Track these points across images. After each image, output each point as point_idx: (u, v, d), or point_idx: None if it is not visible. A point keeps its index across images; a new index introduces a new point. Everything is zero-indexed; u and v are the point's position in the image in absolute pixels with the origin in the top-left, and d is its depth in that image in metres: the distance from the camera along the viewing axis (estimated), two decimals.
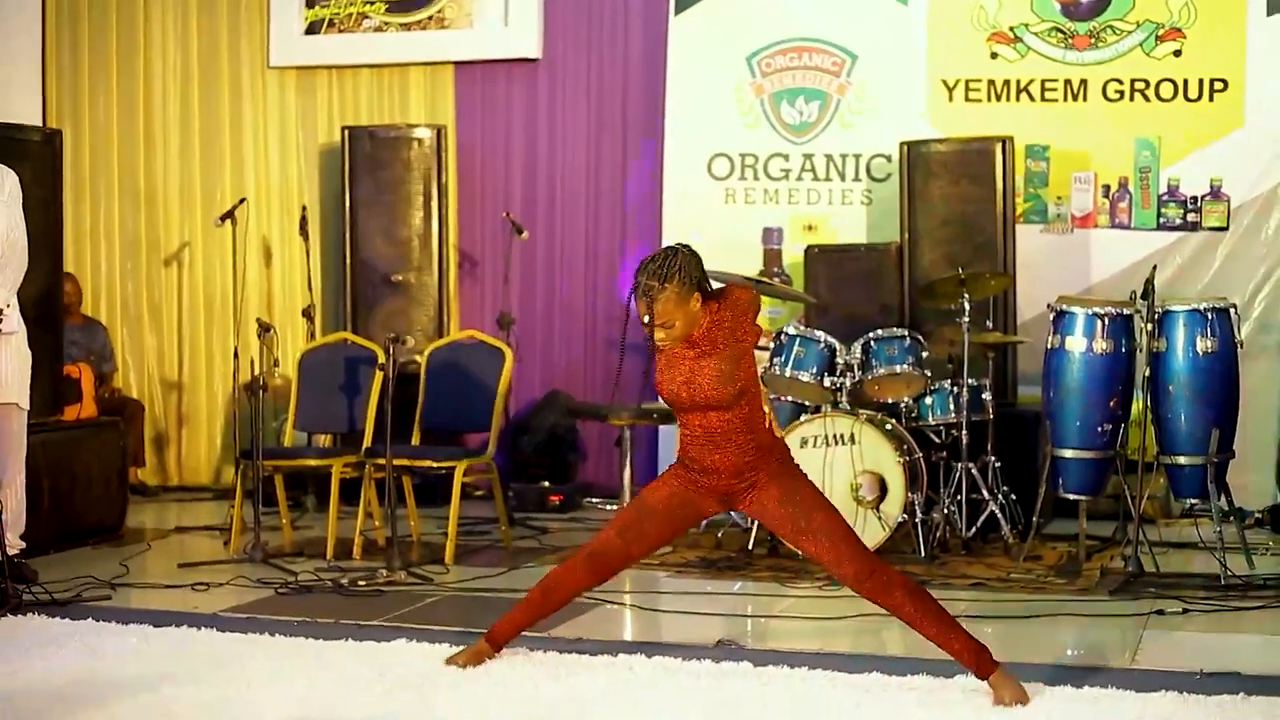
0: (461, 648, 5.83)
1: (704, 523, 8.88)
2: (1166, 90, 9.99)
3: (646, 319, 5.22)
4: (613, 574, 5.76)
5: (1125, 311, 7.85)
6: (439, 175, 10.82)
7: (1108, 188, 10.12)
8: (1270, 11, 9.82)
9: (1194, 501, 8.24)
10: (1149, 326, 7.64)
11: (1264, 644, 6.29)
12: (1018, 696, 5.08)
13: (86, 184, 11.66)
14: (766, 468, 5.42)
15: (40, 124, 11.30)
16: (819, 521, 5.35)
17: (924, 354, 8.44)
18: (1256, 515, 9.42)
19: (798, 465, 5.54)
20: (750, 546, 8.20)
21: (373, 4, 11.31)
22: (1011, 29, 10.18)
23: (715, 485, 5.48)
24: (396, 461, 8.11)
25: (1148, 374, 7.70)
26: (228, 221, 9.56)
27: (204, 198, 11.54)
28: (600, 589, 7.16)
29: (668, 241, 10.63)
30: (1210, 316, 7.71)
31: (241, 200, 9.94)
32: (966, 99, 10.28)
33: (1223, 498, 7.84)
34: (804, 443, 8.04)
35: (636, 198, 11.10)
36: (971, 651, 5.18)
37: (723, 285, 5.41)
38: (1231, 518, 8.01)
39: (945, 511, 8.37)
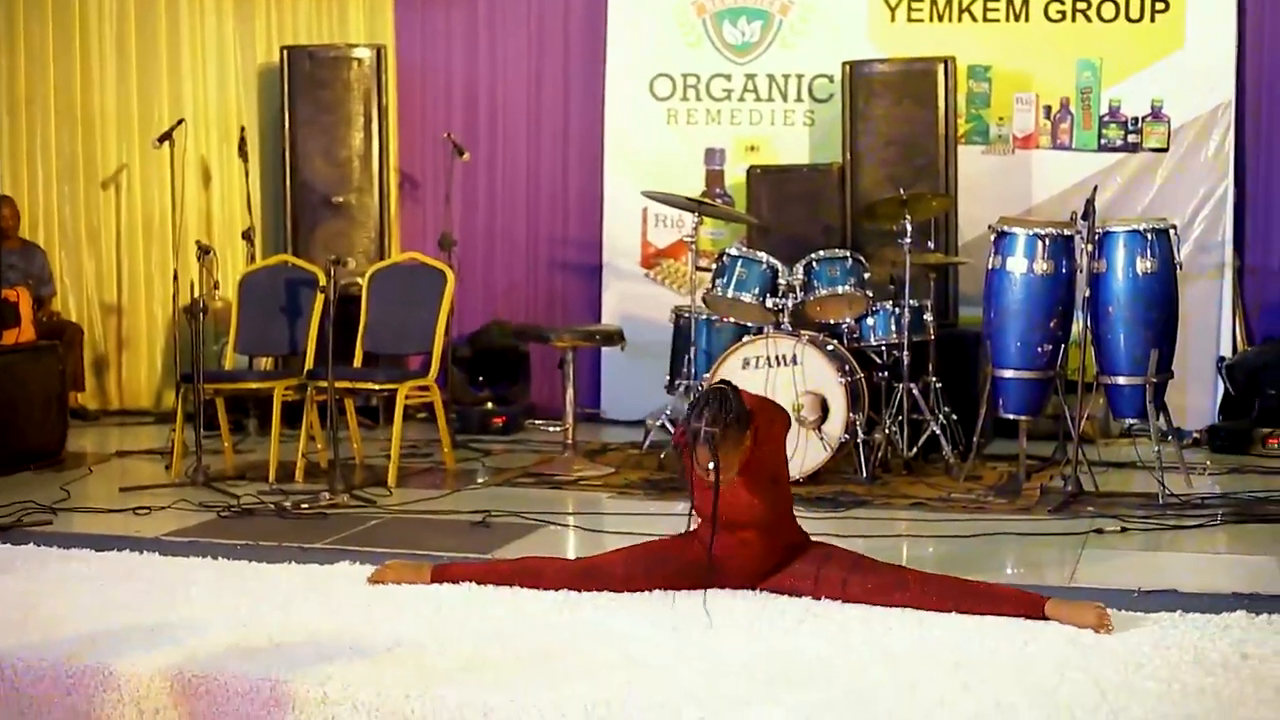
0: None
1: (646, 444, 8.93)
2: (1108, 10, 10.00)
3: (710, 465, 5.19)
4: (597, 590, 5.61)
5: (1066, 232, 7.87)
6: (379, 96, 10.75)
7: (1049, 108, 10.14)
8: None
9: (1133, 421, 8.34)
10: (1089, 247, 7.66)
11: (1201, 562, 6.35)
12: (1098, 617, 4.99)
13: (22, 106, 11.49)
14: (788, 557, 5.50)
15: None
16: (833, 558, 5.46)
17: (865, 275, 8.44)
18: (1194, 435, 9.51)
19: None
20: None
21: None
22: None
23: (739, 571, 5.50)
24: (338, 384, 8.09)
25: (1088, 295, 7.73)
26: (166, 143, 9.47)
27: (141, 119, 11.41)
28: (543, 510, 7.21)
29: (610, 162, 10.72)
30: (1150, 237, 7.74)
31: (179, 121, 9.84)
32: (909, 19, 10.27)
33: (1161, 418, 7.90)
34: (746, 364, 8.05)
35: (578, 118, 11.05)
36: (1023, 603, 5.13)
37: (753, 409, 5.36)
38: (1170, 437, 8.08)
39: (887, 432, 8.40)
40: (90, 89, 11.49)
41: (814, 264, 8.40)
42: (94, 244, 11.54)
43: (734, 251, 8.58)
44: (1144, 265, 7.71)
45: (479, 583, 5.63)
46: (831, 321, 8.52)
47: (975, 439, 8.21)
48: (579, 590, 5.54)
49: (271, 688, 4.40)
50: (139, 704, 4.51)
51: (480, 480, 8.25)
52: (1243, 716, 4.01)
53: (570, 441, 8.78)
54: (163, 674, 4.51)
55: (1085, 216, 7.67)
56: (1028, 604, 5.13)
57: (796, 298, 8.34)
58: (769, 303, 8.34)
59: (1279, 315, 9.79)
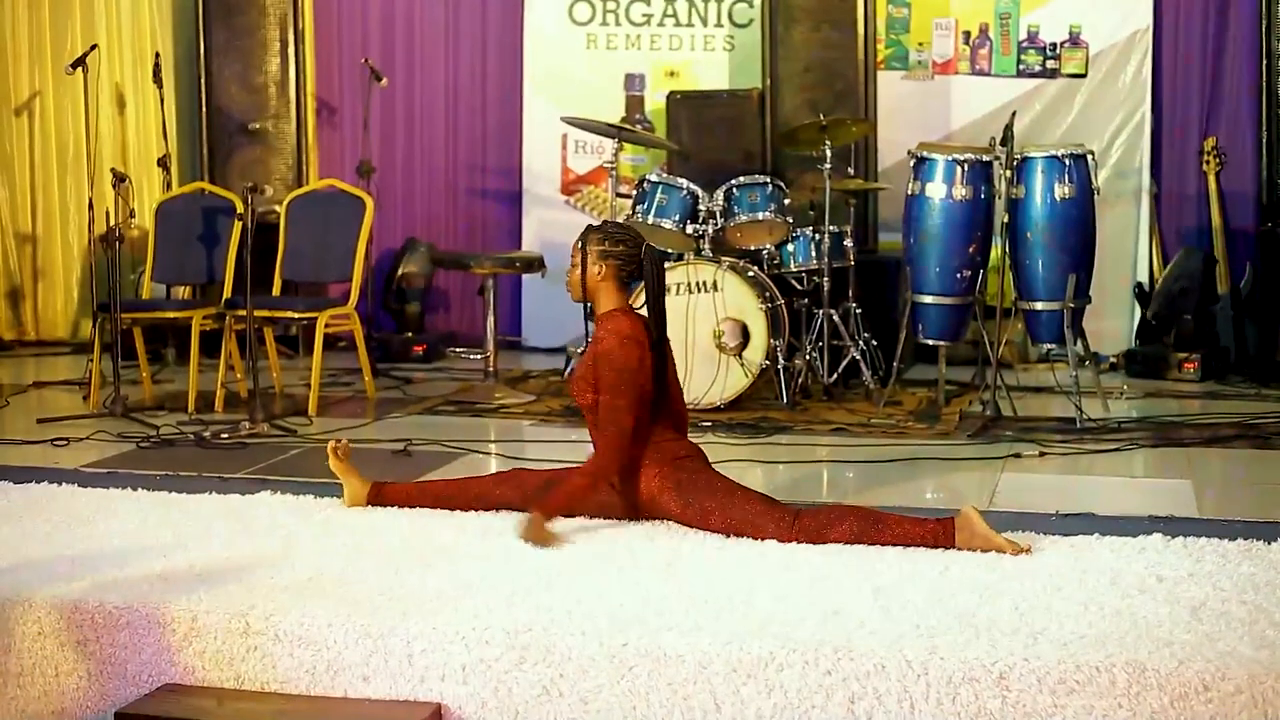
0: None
1: (568, 371, 8.93)
2: None
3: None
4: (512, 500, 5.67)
5: (984, 158, 7.90)
6: (295, 20, 10.64)
7: (968, 34, 10.16)
8: None
9: (1051, 346, 8.40)
10: (1008, 173, 7.69)
11: (1117, 486, 6.42)
12: (1006, 544, 4.99)
13: None
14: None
15: None
16: (720, 500, 5.33)
17: (786, 201, 8.45)
18: (1111, 360, 9.61)
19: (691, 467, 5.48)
20: None
21: None
22: None
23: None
24: (257, 313, 8.03)
25: (1006, 220, 7.76)
26: (79, 69, 9.34)
27: (54, 45, 11.24)
28: (465, 438, 7.20)
29: (530, 88, 10.68)
30: (1068, 163, 7.78)
31: (93, 47, 9.68)
32: None
33: (1079, 342, 7.96)
34: (666, 290, 8.04)
35: (497, 43, 10.98)
36: (931, 532, 5.08)
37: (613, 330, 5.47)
38: (1087, 362, 8.15)
39: (807, 358, 8.44)
40: (1, 15, 11.31)
41: (734, 190, 8.40)
42: (7, 172, 11.38)
43: (654, 178, 8.57)
44: (1062, 191, 7.75)
45: (413, 505, 5.68)
46: (752, 247, 8.53)
47: (895, 364, 8.25)
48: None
49: (193, 618, 4.39)
50: (59, 636, 4.49)
51: None
52: (1158, 637, 4.06)
53: (491, 369, 8.77)
54: (83, 606, 4.49)
55: (1004, 142, 7.70)
56: (936, 532, 5.07)
57: (717, 224, 8.34)
58: (689, 229, 8.35)
59: (1194, 240, 9.87)
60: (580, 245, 5.49)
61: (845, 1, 9.72)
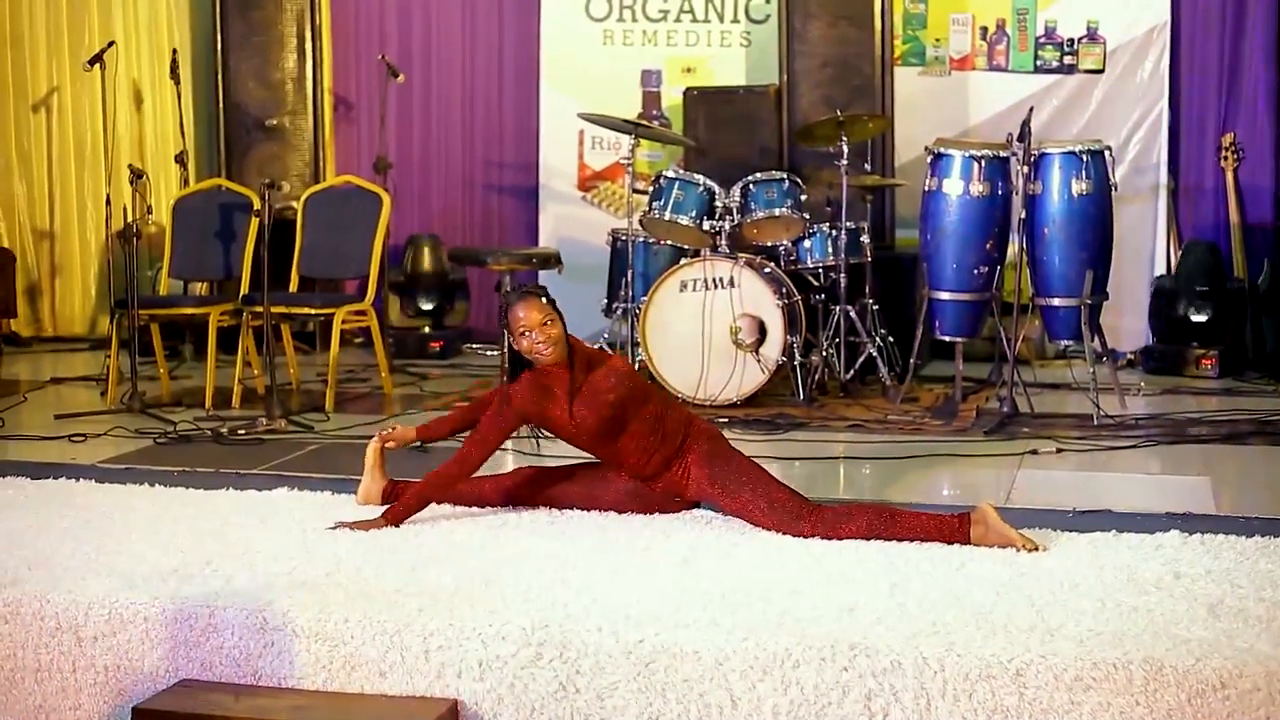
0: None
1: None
2: None
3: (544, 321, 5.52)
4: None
5: (1001, 154, 7.88)
6: (312, 16, 10.65)
7: (985, 30, 10.14)
8: None
9: (1068, 343, 8.38)
10: (1025, 169, 7.68)
11: (1135, 483, 6.40)
12: (1020, 539, 5.01)
13: None
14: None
15: None
16: (748, 479, 5.41)
17: (802, 197, 8.44)
18: (1129, 356, 9.59)
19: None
20: None
21: None
22: None
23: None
24: (274, 309, 8.04)
25: (1023, 216, 7.74)
26: (96, 66, 9.36)
27: (72, 41, 11.26)
28: None
29: (546, 84, 10.69)
30: (1085, 159, 7.76)
31: (110, 43, 9.72)
32: None
33: (1096, 339, 7.95)
34: (683, 286, 8.05)
35: (513, 38, 10.98)
36: (947, 527, 5.08)
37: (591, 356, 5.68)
38: (1104, 359, 8.13)
39: (824, 354, 8.43)
40: (19, 10, 11.33)
41: (751, 186, 8.39)
42: (25, 168, 11.40)
43: (671, 174, 8.56)
44: (1079, 187, 7.73)
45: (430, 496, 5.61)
46: (769, 244, 8.53)
47: (912, 361, 8.24)
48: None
49: (210, 614, 4.40)
50: (77, 632, 4.49)
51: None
52: (1176, 635, 4.05)
53: (508, 365, 8.75)
54: (100, 602, 4.49)
55: (1021, 138, 7.68)
56: (950, 528, 5.08)
57: (734, 220, 8.33)
58: (706, 225, 8.34)
59: (1212, 236, 9.84)
60: (548, 303, 5.53)
61: None
